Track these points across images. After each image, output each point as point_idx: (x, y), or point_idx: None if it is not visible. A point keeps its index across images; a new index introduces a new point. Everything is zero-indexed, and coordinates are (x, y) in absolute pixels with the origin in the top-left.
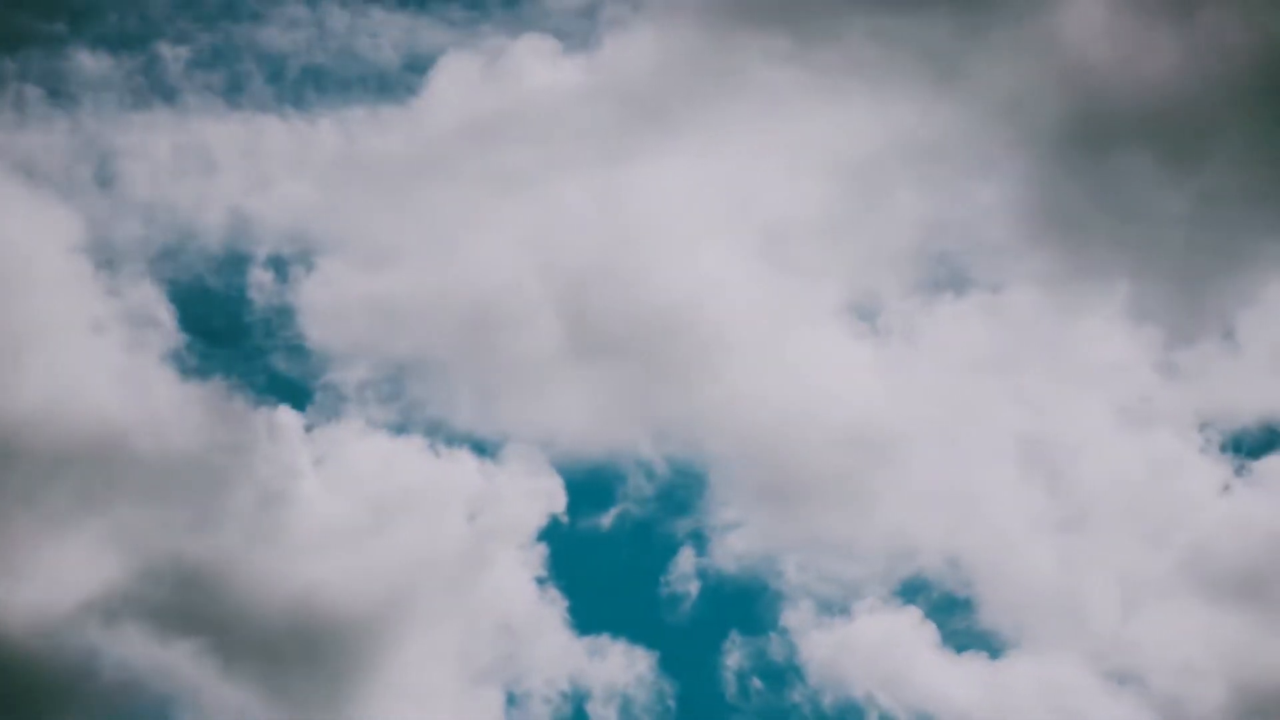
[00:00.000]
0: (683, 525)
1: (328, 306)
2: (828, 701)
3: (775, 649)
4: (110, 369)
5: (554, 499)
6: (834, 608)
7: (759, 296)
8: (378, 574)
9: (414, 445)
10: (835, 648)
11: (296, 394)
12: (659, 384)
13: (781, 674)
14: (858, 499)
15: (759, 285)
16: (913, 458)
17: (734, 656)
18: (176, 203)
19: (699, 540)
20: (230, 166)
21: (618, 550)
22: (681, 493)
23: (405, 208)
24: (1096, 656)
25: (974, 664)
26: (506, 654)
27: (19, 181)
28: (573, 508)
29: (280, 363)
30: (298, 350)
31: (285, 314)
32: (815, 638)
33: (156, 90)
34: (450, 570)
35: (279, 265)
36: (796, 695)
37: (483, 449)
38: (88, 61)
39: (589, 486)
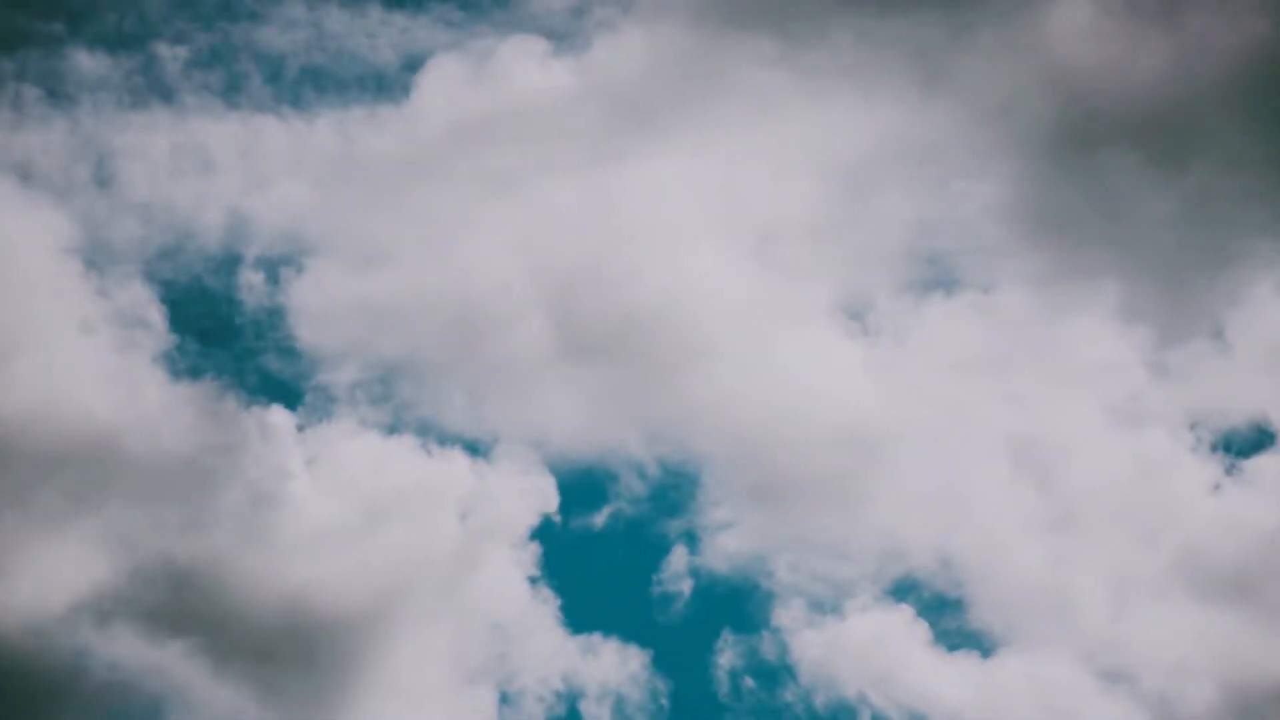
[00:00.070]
0: (675, 525)
1: (319, 307)
2: (820, 700)
3: (767, 648)
4: (101, 370)
5: (546, 498)
6: (826, 607)
7: (749, 297)
8: (370, 574)
9: (406, 445)
10: (827, 647)
11: (288, 394)
12: (650, 384)
13: (774, 673)
14: (849, 499)
15: (749, 286)
16: (904, 457)
17: (726, 655)
18: (174, 203)
19: (691, 540)
20: (228, 167)
21: (610, 550)
22: (673, 492)
23: (396, 209)
24: (1087, 655)
25: (965, 663)
26: (499, 653)
27: (14, 182)
28: (565, 507)
29: (272, 363)
30: (289, 351)
31: (276, 315)
32: (807, 637)
33: (154, 90)
34: (442, 570)
35: (271, 266)
36: (789, 694)
37: (475, 449)
38: (86, 61)
39: (581, 486)
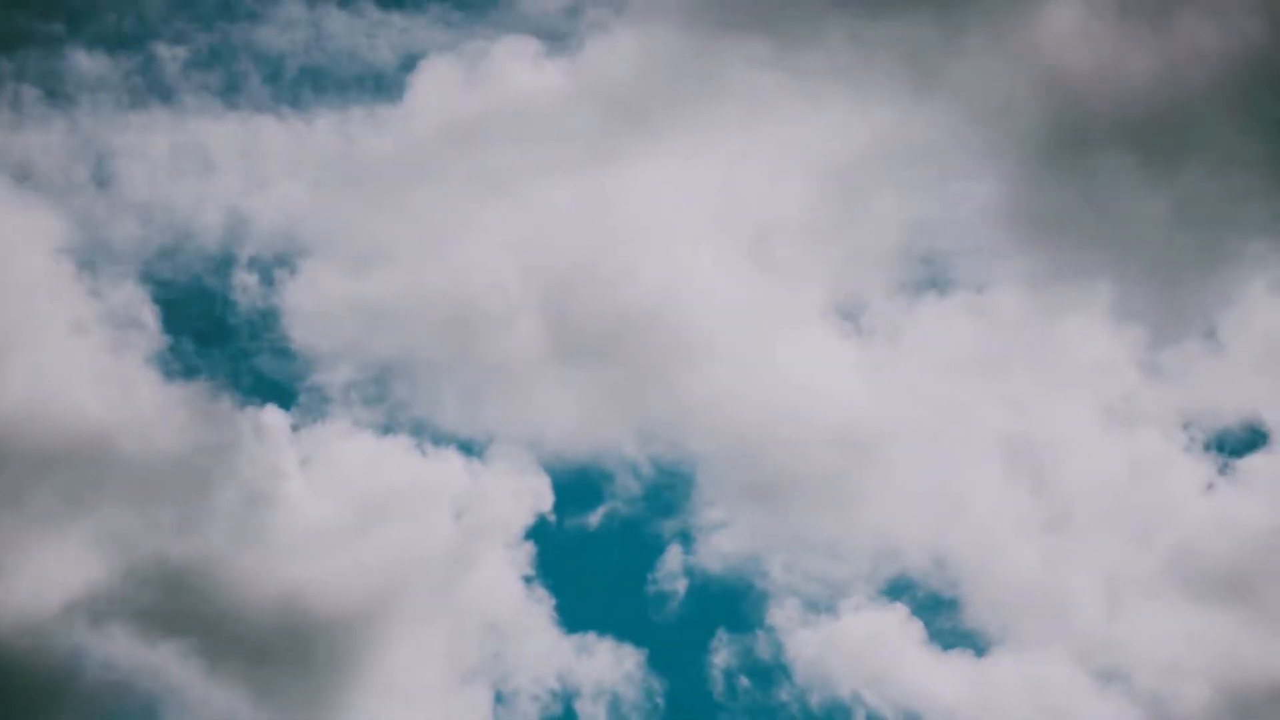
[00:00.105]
0: (669, 524)
1: (313, 307)
2: (814, 699)
3: (762, 647)
4: (95, 370)
5: (541, 498)
6: (820, 606)
7: (744, 297)
8: (365, 574)
9: (400, 445)
10: (822, 646)
11: (282, 394)
12: (645, 384)
13: (768, 672)
14: (844, 498)
15: (743, 286)
16: (898, 457)
17: (721, 655)
18: (173, 203)
19: (686, 539)
20: (227, 167)
21: (605, 549)
22: (668, 492)
23: (391, 209)
24: (1082, 655)
25: (960, 662)
26: (494, 653)
27: (11, 182)
28: (559, 507)
29: (266, 363)
30: (283, 351)
31: (271, 315)
32: (802, 636)
33: (153, 90)
34: (437, 569)
35: (265, 266)
36: (783, 693)
37: (469, 449)
38: (85, 61)
39: (576, 486)
